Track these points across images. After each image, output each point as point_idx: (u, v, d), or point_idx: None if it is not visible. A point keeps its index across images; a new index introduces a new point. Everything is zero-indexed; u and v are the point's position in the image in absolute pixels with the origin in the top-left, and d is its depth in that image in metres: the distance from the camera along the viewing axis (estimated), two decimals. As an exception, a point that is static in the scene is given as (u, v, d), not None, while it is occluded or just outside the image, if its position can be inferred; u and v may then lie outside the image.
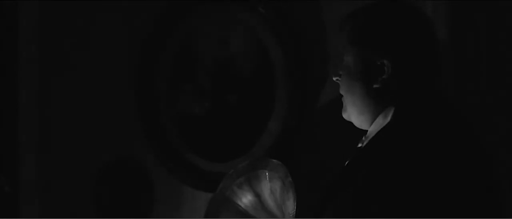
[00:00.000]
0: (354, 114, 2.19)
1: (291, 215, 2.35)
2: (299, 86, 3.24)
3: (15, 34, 3.55)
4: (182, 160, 3.41)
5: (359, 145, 2.19)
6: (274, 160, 2.48)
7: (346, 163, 2.18)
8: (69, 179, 3.53)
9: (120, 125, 3.48)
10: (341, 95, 2.23)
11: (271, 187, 2.41)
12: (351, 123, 2.24)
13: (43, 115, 3.56)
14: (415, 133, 2.04)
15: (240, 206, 2.43)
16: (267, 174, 2.43)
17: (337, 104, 2.29)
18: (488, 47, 3.01)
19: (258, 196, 2.40)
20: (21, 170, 3.55)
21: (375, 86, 2.13)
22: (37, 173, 3.55)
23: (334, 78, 2.23)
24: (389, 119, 2.11)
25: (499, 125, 2.98)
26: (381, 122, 2.13)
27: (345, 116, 2.23)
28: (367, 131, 2.20)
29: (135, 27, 3.46)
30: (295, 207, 2.36)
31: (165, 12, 3.41)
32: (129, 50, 3.47)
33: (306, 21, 3.25)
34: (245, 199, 2.44)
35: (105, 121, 3.50)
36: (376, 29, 2.14)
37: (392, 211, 1.95)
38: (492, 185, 2.07)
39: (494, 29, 3.01)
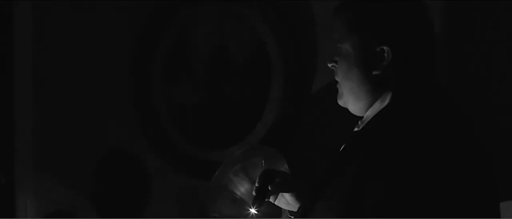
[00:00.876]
0: (350, 100, 2.18)
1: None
2: (293, 76, 3.25)
3: (10, 30, 3.55)
4: (179, 150, 3.42)
5: (355, 129, 2.19)
6: (270, 148, 2.48)
7: (342, 147, 2.18)
8: (64, 172, 3.53)
9: (116, 118, 3.49)
10: (336, 82, 2.22)
11: (266, 174, 2.40)
12: (346, 109, 2.24)
13: (39, 110, 3.56)
14: (413, 115, 2.04)
15: (236, 194, 2.43)
16: (263, 161, 2.42)
17: (331, 92, 2.28)
18: (484, 44, 3.01)
19: (254, 183, 2.39)
20: (17, 163, 3.56)
21: (374, 73, 2.12)
22: (34, 168, 3.55)
23: (330, 65, 2.22)
24: (386, 103, 2.11)
25: (495, 121, 2.99)
26: (378, 106, 2.13)
27: (341, 102, 2.22)
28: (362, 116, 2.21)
29: (131, 21, 3.46)
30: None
31: (161, 5, 3.42)
32: (125, 43, 3.47)
33: (300, 12, 3.26)
34: (242, 187, 2.43)
35: (101, 114, 3.50)
36: (375, 15, 2.12)
37: (389, 195, 1.95)
38: (488, 173, 2.08)
39: (489, 27, 3.01)
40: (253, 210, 2.29)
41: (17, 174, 3.55)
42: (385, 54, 2.11)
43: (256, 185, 2.26)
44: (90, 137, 3.50)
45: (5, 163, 3.52)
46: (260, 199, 2.27)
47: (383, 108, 2.11)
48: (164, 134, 3.43)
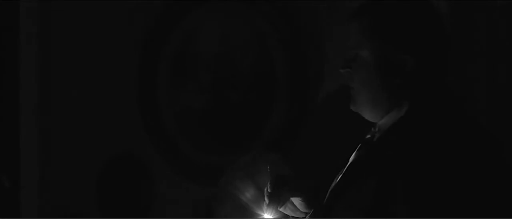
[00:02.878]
0: (366, 107, 2.14)
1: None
2: (299, 81, 3.25)
3: (16, 31, 3.55)
4: (183, 155, 3.41)
5: (368, 136, 2.17)
6: (275, 154, 2.48)
7: (356, 154, 2.17)
8: (70, 175, 3.53)
9: (121, 121, 3.49)
10: (349, 87, 2.19)
11: (272, 181, 2.41)
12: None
13: (44, 112, 3.56)
14: (433, 128, 2.02)
15: (242, 199, 2.43)
16: (268, 168, 2.43)
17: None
18: (487, 46, 3.01)
19: (259, 189, 2.40)
20: (22, 166, 3.55)
21: (395, 81, 2.10)
22: (38, 170, 3.55)
23: (343, 71, 2.17)
24: (403, 112, 2.10)
25: (498, 123, 2.99)
26: (395, 114, 2.10)
27: (353, 108, 2.17)
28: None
29: (136, 23, 3.46)
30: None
31: (167, 8, 3.42)
32: (131, 46, 3.47)
33: (307, 16, 3.26)
34: (247, 193, 2.43)
35: (106, 117, 3.50)
36: (396, 23, 2.09)
37: (421, 203, 1.95)
38: (508, 178, 2.07)
39: (493, 28, 3.01)
40: (266, 216, 2.26)
41: (22, 178, 3.55)
42: (406, 63, 2.09)
43: (269, 191, 2.24)
44: (96, 141, 3.50)
45: (10, 166, 3.52)
46: (274, 205, 2.24)
47: (401, 118, 2.09)
48: (169, 138, 3.43)
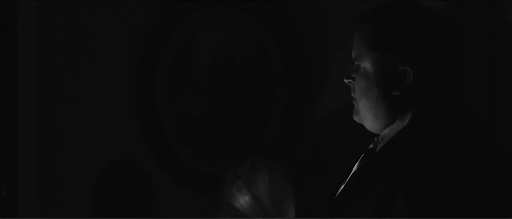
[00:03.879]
0: (369, 118, 2.15)
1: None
2: (297, 86, 3.25)
3: (14, 34, 3.54)
4: (181, 161, 3.41)
5: (371, 146, 2.17)
6: (273, 162, 2.47)
7: (359, 164, 2.16)
8: (68, 181, 3.53)
9: (119, 126, 3.48)
10: (352, 98, 2.19)
11: (270, 189, 2.40)
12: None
13: (42, 117, 3.55)
14: (437, 136, 2.02)
15: (238, 208, 2.42)
16: (266, 176, 2.42)
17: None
18: (485, 46, 3.01)
19: (257, 198, 2.39)
20: (20, 173, 3.55)
21: (394, 93, 2.10)
22: (36, 176, 3.55)
23: (346, 81, 2.18)
24: (406, 122, 2.09)
25: (498, 123, 2.98)
26: (397, 125, 2.10)
27: (356, 119, 2.18)
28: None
29: (135, 28, 3.46)
30: (295, 210, 2.36)
31: (165, 13, 3.42)
32: (129, 50, 3.47)
33: (305, 21, 3.26)
34: (244, 202, 2.42)
35: (105, 122, 3.50)
36: (397, 34, 2.09)
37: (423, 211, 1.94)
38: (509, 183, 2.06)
39: (491, 28, 3.00)
40: None
41: (20, 186, 3.54)
42: (407, 75, 2.08)
43: None
44: (94, 147, 3.50)
45: (7, 174, 3.51)
46: None
47: (404, 128, 2.09)
48: (168, 144, 3.43)
